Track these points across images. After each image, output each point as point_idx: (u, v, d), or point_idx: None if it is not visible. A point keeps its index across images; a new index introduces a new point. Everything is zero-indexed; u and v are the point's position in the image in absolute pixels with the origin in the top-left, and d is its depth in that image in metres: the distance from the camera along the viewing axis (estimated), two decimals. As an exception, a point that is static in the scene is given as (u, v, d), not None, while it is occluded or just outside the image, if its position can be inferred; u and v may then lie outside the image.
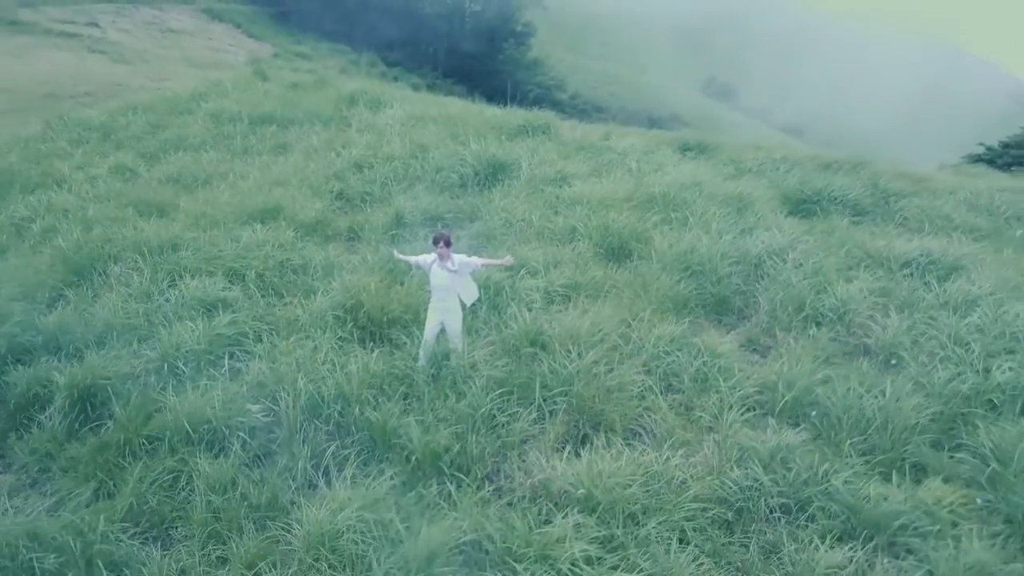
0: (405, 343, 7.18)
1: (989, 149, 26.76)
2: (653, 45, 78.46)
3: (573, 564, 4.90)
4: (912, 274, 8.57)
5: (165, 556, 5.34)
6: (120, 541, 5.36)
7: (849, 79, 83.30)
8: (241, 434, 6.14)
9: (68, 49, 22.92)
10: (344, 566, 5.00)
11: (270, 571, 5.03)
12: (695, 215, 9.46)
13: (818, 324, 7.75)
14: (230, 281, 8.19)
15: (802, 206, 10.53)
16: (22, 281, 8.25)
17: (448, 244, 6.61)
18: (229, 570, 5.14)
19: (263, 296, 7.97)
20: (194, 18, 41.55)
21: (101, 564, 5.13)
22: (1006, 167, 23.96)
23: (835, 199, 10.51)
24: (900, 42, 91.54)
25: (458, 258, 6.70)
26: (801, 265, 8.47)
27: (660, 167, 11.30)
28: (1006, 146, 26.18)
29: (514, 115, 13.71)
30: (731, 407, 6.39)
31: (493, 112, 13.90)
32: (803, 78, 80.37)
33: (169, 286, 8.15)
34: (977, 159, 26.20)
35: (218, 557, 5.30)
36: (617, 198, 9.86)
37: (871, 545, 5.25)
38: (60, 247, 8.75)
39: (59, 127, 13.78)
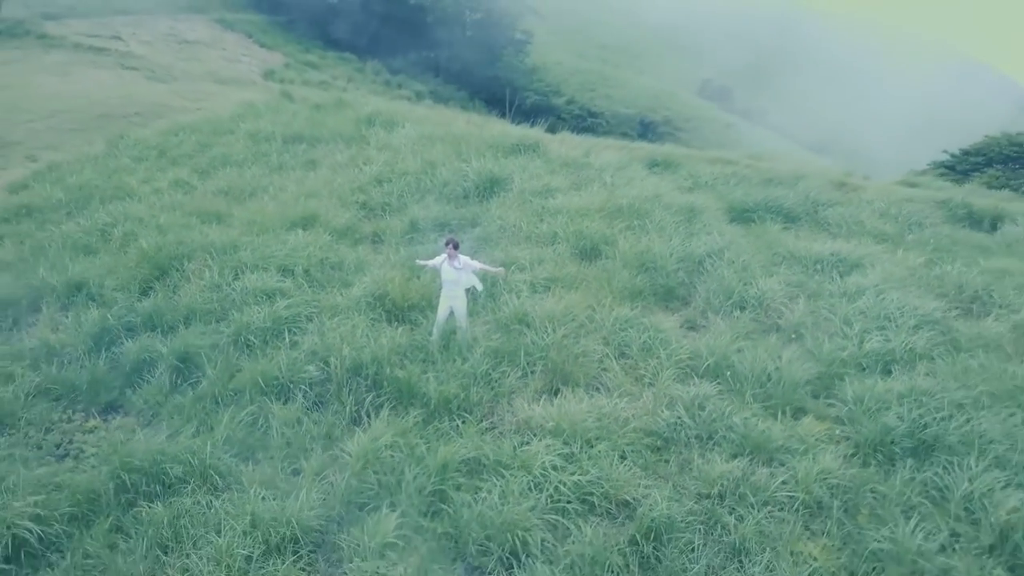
0: (422, 323, 9.36)
1: (952, 156, 28.87)
2: (653, 48, 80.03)
3: (543, 470, 7.06)
4: (822, 270, 10.71)
5: (255, 469, 7.49)
6: (221, 459, 7.54)
7: (852, 84, 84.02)
8: (302, 387, 8.30)
9: (102, 66, 25.04)
10: (385, 472, 7.18)
11: (334, 476, 7.23)
12: (653, 222, 11.61)
13: (742, 308, 9.91)
14: (282, 275, 10.28)
15: (743, 214, 12.58)
16: (118, 276, 10.42)
17: (456, 247, 8.68)
18: (303, 476, 7.32)
19: (310, 287, 10.09)
20: (208, 28, 43.41)
21: (214, 472, 7.32)
22: (964, 173, 26.10)
23: (771, 208, 12.64)
24: (905, 50, 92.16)
25: (463, 259, 8.78)
26: (733, 262, 10.63)
27: (630, 181, 13.42)
28: (965, 153, 28.20)
29: (509, 134, 15.74)
30: (667, 368, 8.57)
31: (491, 131, 15.93)
32: (802, 82, 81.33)
33: (234, 279, 10.21)
34: (940, 165, 28.39)
35: (293, 470, 7.47)
36: (591, 209, 11.98)
37: (755, 460, 7.43)
38: (143, 248, 10.83)
39: (121, 146, 15.92)
